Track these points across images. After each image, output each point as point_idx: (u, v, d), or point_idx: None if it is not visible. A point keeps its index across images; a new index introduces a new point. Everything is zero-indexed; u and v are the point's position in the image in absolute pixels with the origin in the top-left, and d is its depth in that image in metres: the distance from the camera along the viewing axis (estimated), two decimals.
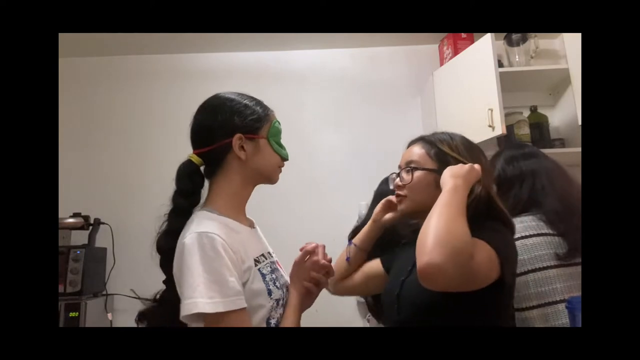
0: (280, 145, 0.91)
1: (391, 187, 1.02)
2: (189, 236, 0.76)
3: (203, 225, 0.78)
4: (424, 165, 0.95)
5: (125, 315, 1.96)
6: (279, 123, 0.92)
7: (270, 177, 0.91)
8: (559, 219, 1.09)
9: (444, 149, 0.95)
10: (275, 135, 0.90)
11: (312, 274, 0.88)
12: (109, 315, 1.91)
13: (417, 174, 0.94)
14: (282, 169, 0.93)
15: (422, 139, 1.00)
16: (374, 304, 1.31)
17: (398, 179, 0.99)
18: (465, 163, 0.90)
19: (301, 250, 0.91)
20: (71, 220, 1.92)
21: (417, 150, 0.98)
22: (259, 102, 0.91)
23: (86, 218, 1.94)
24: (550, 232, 1.08)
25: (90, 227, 1.96)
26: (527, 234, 1.08)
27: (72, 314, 1.69)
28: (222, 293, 0.72)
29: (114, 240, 2.00)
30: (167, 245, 0.80)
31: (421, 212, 0.92)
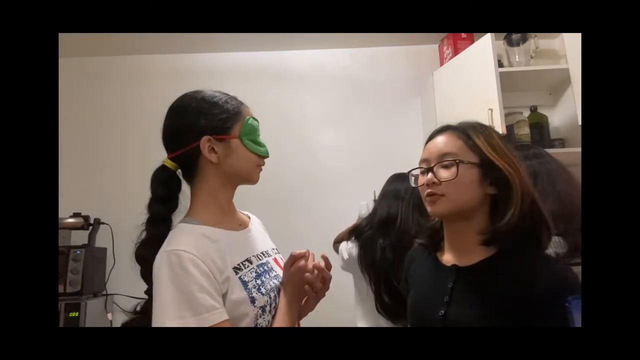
0: (257, 143, 0.86)
1: (415, 185, 0.89)
2: (158, 256, 0.73)
3: (174, 241, 0.75)
4: (465, 158, 0.81)
5: (125, 315, 1.96)
6: (255, 119, 0.86)
7: (249, 178, 0.86)
8: (559, 218, 1.08)
9: (483, 142, 0.83)
10: (249, 133, 0.84)
11: (307, 276, 0.83)
12: (109, 315, 1.91)
13: (462, 168, 0.80)
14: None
15: (454, 128, 0.88)
16: (391, 303, 1.31)
17: (430, 175, 0.82)
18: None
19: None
20: (71, 220, 1.93)
21: (453, 141, 0.84)
22: (230, 100, 0.85)
23: (86, 218, 1.95)
24: None
25: (90, 227, 1.96)
26: None
27: (72, 314, 1.69)
28: (193, 311, 0.69)
29: (114, 240, 2.01)
30: (147, 255, 0.77)
31: (460, 214, 0.82)
